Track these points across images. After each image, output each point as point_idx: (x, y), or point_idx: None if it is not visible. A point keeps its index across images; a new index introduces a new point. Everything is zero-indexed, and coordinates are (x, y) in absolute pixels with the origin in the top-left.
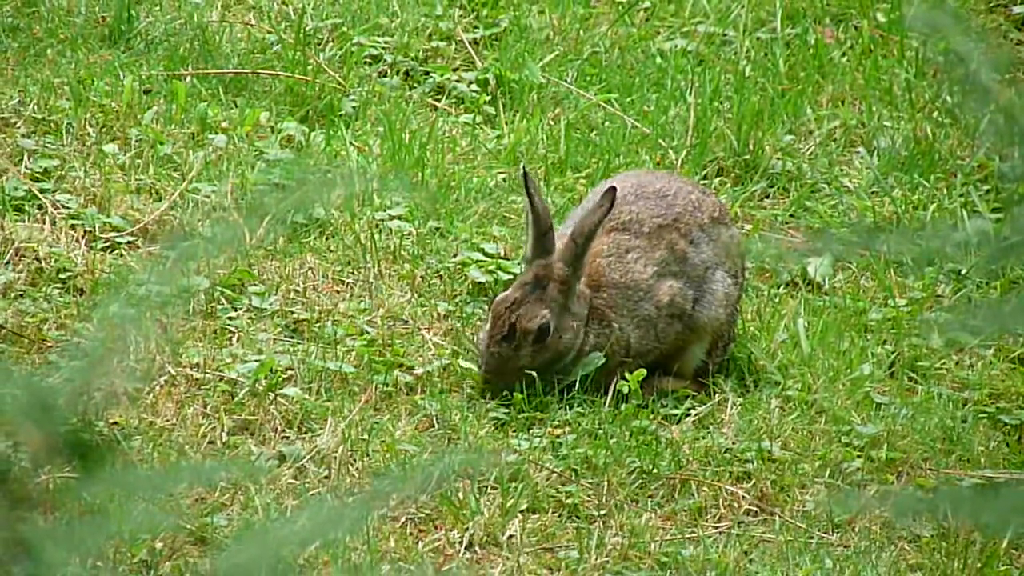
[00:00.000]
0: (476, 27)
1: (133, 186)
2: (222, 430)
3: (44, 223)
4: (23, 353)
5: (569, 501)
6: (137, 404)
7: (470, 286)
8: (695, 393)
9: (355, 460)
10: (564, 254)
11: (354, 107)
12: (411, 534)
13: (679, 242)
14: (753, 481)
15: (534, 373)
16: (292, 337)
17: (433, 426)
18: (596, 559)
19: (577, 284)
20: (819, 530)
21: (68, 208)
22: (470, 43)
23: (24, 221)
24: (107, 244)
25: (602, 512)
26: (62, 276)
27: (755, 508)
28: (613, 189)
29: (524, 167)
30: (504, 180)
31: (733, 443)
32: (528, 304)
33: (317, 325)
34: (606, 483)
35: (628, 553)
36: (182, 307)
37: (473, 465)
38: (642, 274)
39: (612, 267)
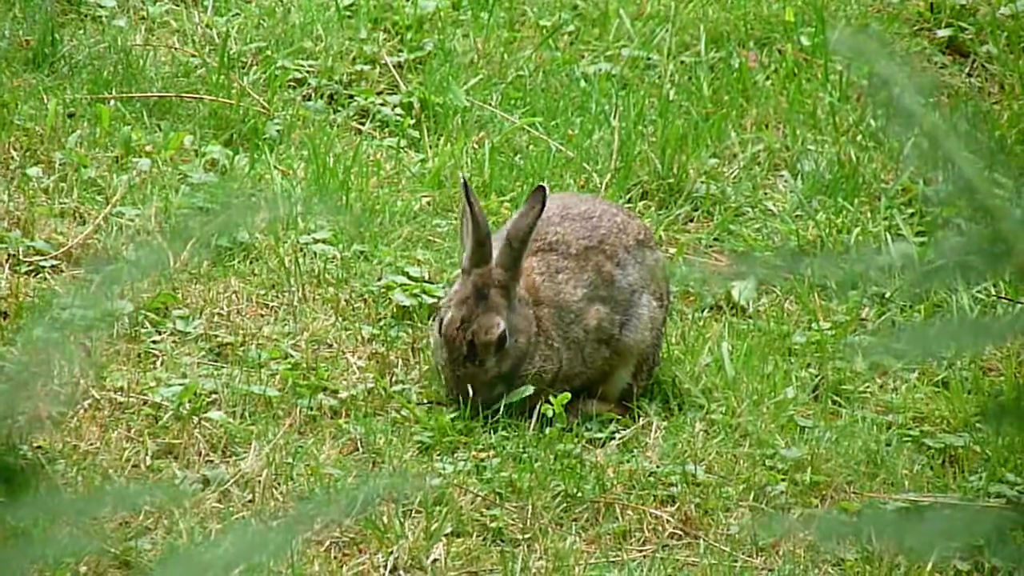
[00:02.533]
0: (400, 51)
1: (57, 210)
2: (146, 454)
3: None
4: None
5: (493, 525)
6: (61, 428)
7: (394, 310)
8: (619, 416)
9: (279, 484)
10: (501, 259)
11: (278, 131)
12: (335, 558)
13: (606, 264)
14: (677, 505)
15: (504, 386)
16: (216, 361)
17: (357, 450)
18: None
19: (516, 287)
20: (743, 553)
21: None
22: (394, 67)
23: None
24: (31, 268)
25: (526, 536)
26: None
27: (679, 532)
28: (542, 188)
29: (464, 176)
30: (428, 204)
31: (657, 467)
32: (478, 317)
33: (241, 349)
34: (530, 507)
35: None
36: (106, 331)
37: (397, 489)
38: (572, 296)
39: (546, 285)
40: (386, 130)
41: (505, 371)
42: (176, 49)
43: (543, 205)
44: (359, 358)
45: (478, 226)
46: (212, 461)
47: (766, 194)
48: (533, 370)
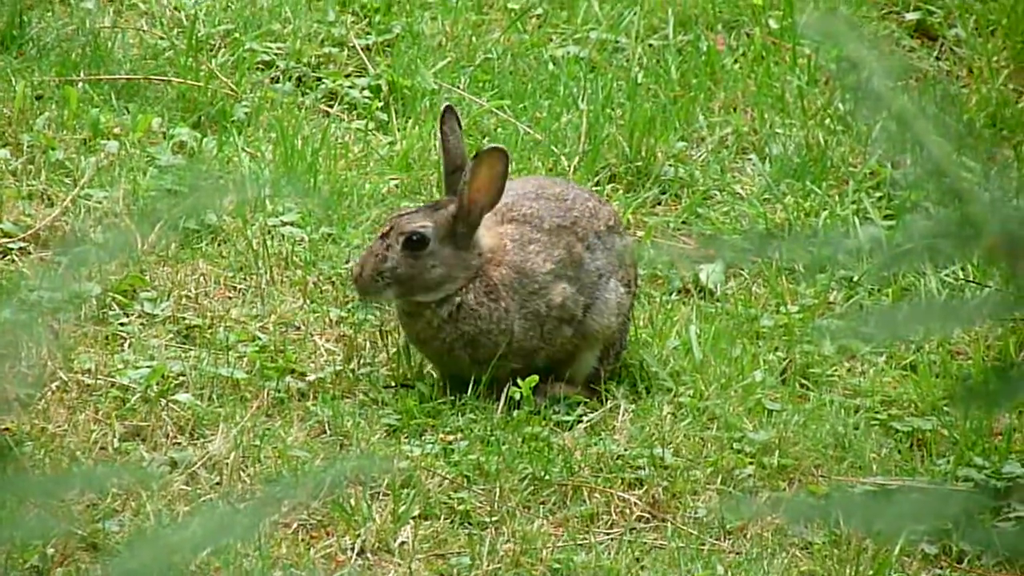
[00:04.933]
0: (368, 33)
1: (25, 192)
2: (114, 436)
3: None
4: None
5: (461, 508)
6: (29, 410)
7: None
8: (587, 399)
9: (247, 466)
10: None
11: (246, 113)
12: (303, 540)
13: (576, 245)
14: (645, 488)
15: (392, 292)
16: (184, 343)
17: (325, 432)
18: (488, 566)
19: (473, 233)
20: (711, 536)
21: None
22: (362, 49)
23: None
24: None
25: (494, 519)
26: None
27: (647, 515)
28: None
29: (449, 104)
30: (397, 186)
31: (625, 450)
32: (415, 213)
33: (209, 331)
34: (498, 489)
35: (520, 560)
36: (74, 313)
37: (365, 471)
38: (540, 268)
39: (515, 251)
40: (354, 113)
41: (402, 275)
42: (144, 31)
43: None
44: (327, 340)
45: (448, 155)
46: (180, 443)
47: (734, 177)
48: (478, 324)
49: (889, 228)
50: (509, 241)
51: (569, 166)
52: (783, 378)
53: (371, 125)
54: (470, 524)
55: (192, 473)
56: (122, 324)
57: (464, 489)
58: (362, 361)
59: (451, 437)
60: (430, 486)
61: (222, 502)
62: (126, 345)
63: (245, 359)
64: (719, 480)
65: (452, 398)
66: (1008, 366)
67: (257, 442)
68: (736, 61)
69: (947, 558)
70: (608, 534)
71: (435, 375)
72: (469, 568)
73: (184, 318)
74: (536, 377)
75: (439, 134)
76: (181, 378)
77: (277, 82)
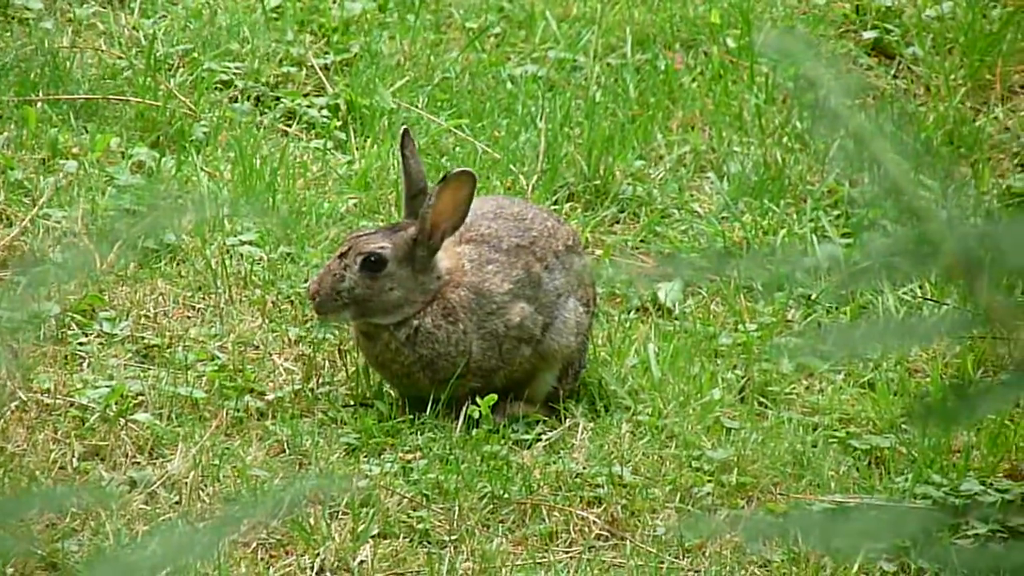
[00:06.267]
0: (327, 53)
1: None
2: (73, 456)
3: None
4: None
5: (420, 526)
6: None
7: None
8: (546, 418)
9: (206, 485)
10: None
11: (205, 133)
12: (262, 559)
13: (535, 265)
14: (604, 506)
15: (349, 312)
16: (143, 363)
17: (284, 451)
18: None
19: (432, 256)
20: (670, 555)
21: None
22: (321, 69)
23: None
24: None
25: (453, 537)
26: None
27: (606, 533)
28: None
29: (406, 128)
30: (355, 205)
31: (584, 468)
32: (373, 234)
33: (168, 351)
34: (457, 508)
35: None
36: (33, 332)
37: (324, 490)
38: (499, 288)
39: (473, 271)
40: (313, 132)
41: (359, 295)
42: (103, 51)
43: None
44: (286, 360)
45: (409, 178)
46: (139, 463)
47: (692, 196)
48: (435, 348)
49: (847, 246)
50: (467, 261)
51: (527, 185)
52: (741, 396)
53: (329, 144)
54: (429, 543)
55: (151, 492)
56: (81, 344)
57: (423, 508)
58: (321, 380)
59: (410, 456)
60: (389, 505)
61: (181, 521)
62: (85, 365)
63: (204, 378)
64: (678, 498)
65: (411, 417)
66: (966, 384)
67: (216, 461)
68: (694, 80)
69: (905, 575)
70: (567, 552)
71: (394, 394)
72: None
73: (143, 337)
74: (495, 396)
75: (400, 157)
76: (140, 397)
77: (236, 101)
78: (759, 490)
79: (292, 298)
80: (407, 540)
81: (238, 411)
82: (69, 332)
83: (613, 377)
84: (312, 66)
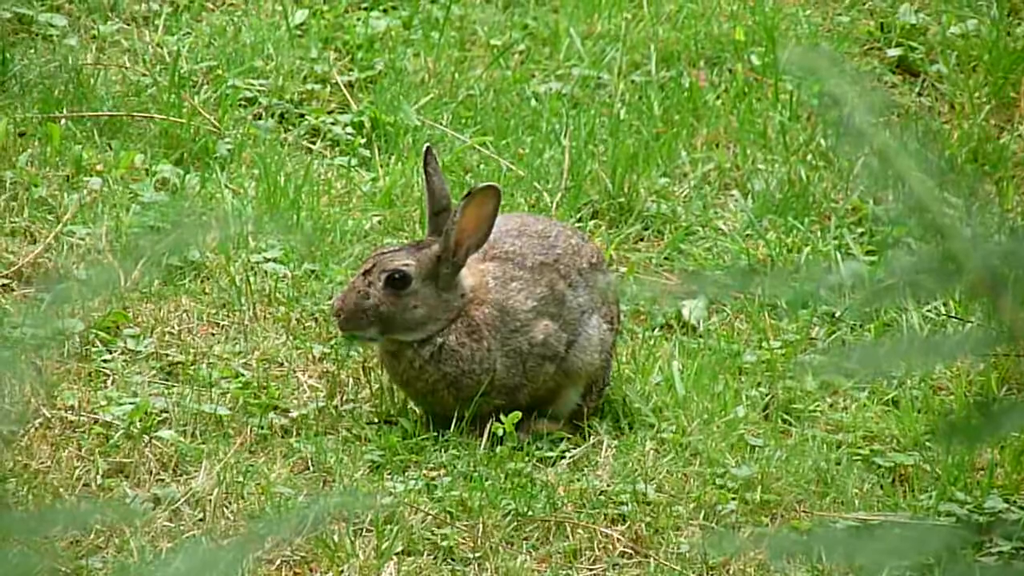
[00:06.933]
0: (351, 70)
1: (8, 229)
2: (97, 472)
3: None
4: None
5: (444, 544)
6: (11, 446)
7: None
8: (570, 436)
9: (230, 503)
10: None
11: (229, 150)
12: None
13: (559, 283)
14: (628, 523)
15: (374, 330)
16: (167, 379)
17: (308, 468)
18: None
19: (456, 273)
20: (693, 572)
21: None
22: (345, 86)
23: None
24: None
25: (477, 555)
26: None
27: (630, 550)
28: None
29: (428, 145)
30: (379, 222)
31: (608, 485)
32: (398, 252)
33: (192, 368)
34: (481, 525)
35: None
36: (57, 349)
37: (348, 507)
38: (523, 305)
39: (497, 289)
40: (337, 149)
41: (383, 313)
42: (127, 68)
43: (498, 199)
44: (310, 377)
45: (433, 196)
46: (163, 480)
47: (716, 213)
48: (460, 365)
49: (871, 264)
50: (491, 279)
51: (552, 202)
52: (765, 413)
53: (354, 161)
54: (453, 560)
55: (175, 509)
56: (105, 361)
57: (447, 525)
58: (345, 397)
59: (434, 473)
60: (413, 522)
61: (205, 538)
62: (109, 381)
63: (228, 395)
64: (702, 516)
65: (435, 434)
66: (990, 401)
67: (240, 478)
68: (718, 97)
69: None
70: (591, 570)
71: (418, 412)
72: None
73: (167, 354)
74: (519, 413)
75: (424, 175)
76: (164, 414)
77: (260, 119)
78: (783, 507)
79: (316, 315)
80: (431, 557)
81: (262, 428)
82: (93, 349)
83: (637, 395)
84: (336, 83)
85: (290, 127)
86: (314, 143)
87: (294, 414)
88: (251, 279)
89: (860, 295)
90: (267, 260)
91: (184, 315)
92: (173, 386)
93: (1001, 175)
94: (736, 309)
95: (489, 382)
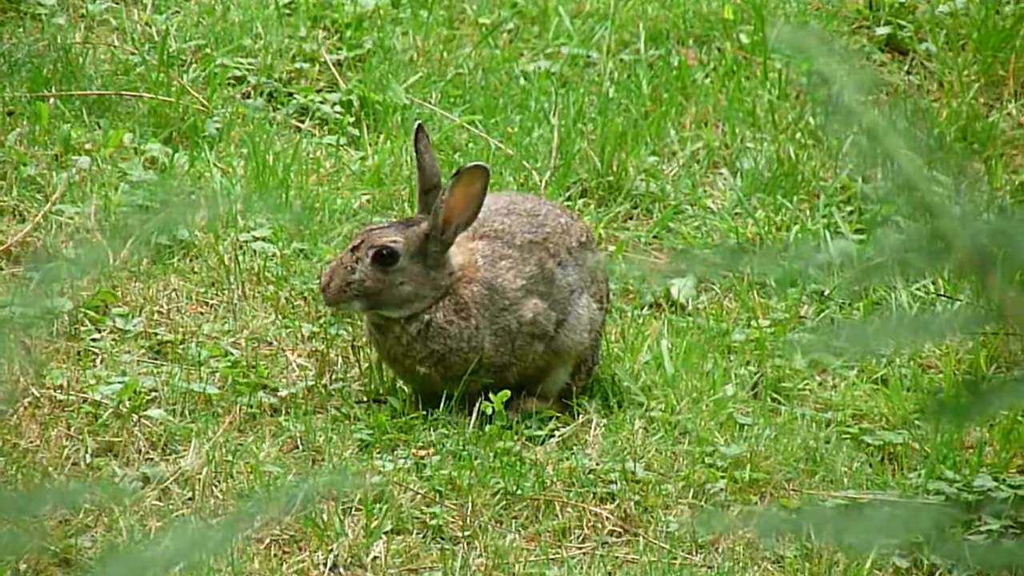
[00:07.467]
0: (340, 49)
1: None
2: (86, 452)
3: None
4: None
5: (433, 522)
6: (0, 425)
7: None
8: (559, 414)
9: (219, 482)
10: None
11: (218, 128)
12: (275, 556)
13: (548, 262)
14: (617, 502)
15: (359, 304)
16: (156, 359)
17: (297, 448)
18: None
19: (445, 252)
20: (683, 551)
21: None
22: (334, 64)
23: None
24: None
25: (466, 533)
26: None
27: (619, 529)
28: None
29: (419, 123)
30: (368, 201)
31: (597, 464)
32: (386, 229)
33: (181, 347)
34: (470, 504)
35: (492, 574)
36: (46, 329)
37: (337, 486)
38: (511, 284)
39: (486, 267)
40: (326, 128)
41: (369, 288)
42: (116, 47)
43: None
44: (299, 356)
45: (423, 173)
46: (152, 459)
47: (705, 192)
48: (447, 343)
49: (860, 242)
50: (480, 257)
51: (540, 181)
52: (754, 392)
53: (343, 140)
54: (442, 539)
55: (164, 489)
56: (94, 340)
57: (436, 504)
58: (334, 376)
59: (423, 452)
60: (402, 501)
61: (194, 517)
62: (98, 361)
63: (217, 374)
64: (691, 494)
65: (424, 413)
66: (979, 380)
67: (229, 457)
68: (707, 76)
69: (918, 571)
70: (580, 548)
71: (407, 390)
72: None
73: (156, 334)
74: (508, 392)
75: (414, 153)
76: (153, 393)
77: (248, 97)
78: (772, 486)
79: (305, 294)
80: (420, 536)
81: (251, 407)
82: (82, 328)
83: (626, 373)
84: (325, 62)
85: (279, 106)
86: (303, 122)
87: (283, 393)
88: (240, 258)
89: (849, 274)
90: (256, 239)
91: (173, 294)
92: (162, 365)
93: (990, 153)
94: (725, 288)
95: (478, 361)
